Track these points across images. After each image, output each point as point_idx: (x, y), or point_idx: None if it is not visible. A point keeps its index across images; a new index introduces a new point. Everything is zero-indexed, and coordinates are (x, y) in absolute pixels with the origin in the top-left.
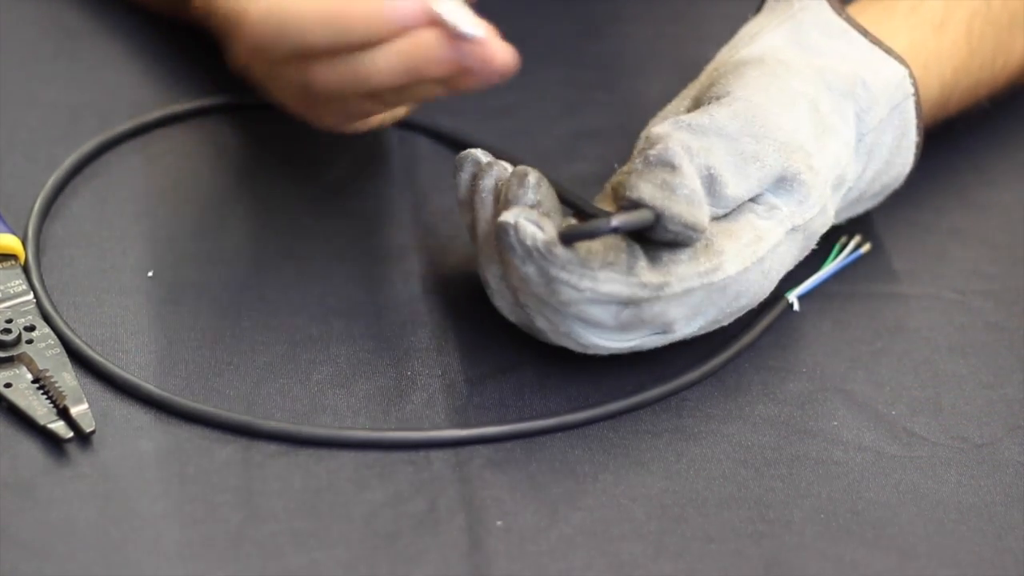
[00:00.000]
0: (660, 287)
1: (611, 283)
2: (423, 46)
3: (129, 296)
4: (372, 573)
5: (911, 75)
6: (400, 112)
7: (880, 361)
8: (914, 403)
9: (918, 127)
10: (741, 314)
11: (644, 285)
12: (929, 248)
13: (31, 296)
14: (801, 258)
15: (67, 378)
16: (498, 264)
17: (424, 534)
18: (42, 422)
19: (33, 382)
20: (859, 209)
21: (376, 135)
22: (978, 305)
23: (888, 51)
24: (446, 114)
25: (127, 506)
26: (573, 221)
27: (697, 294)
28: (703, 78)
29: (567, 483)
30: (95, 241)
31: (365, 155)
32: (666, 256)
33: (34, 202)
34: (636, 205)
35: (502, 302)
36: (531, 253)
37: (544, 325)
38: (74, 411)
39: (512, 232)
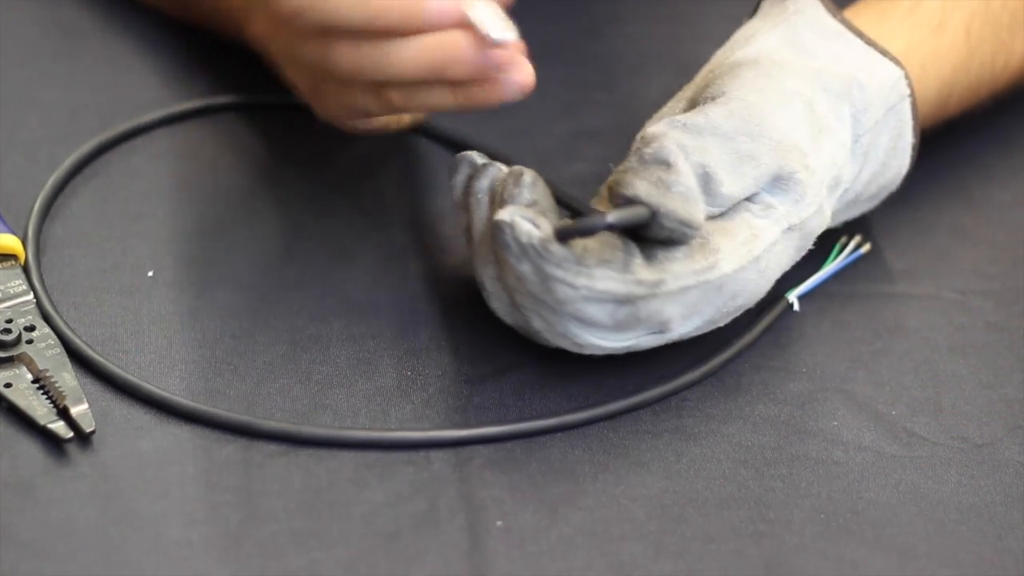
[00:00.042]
0: (656, 284)
1: (607, 280)
2: (450, 45)
3: (129, 296)
4: (372, 573)
5: (907, 76)
6: (404, 121)
7: (880, 361)
8: (914, 403)
9: (914, 128)
10: (738, 314)
11: (640, 282)
12: (929, 248)
13: (31, 296)
14: (798, 258)
15: (67, 378)
16: (494, 266)
17: (424, 534)
18: (42, 422)
19: (33, 382)
20: (856, 212)
21: (376, 136)
22: (978, 305)
23: (884, 52)
24: (446, 114)
25: (127, 506)
26: (569, 221)
27: (693, 292)
28: (698, 79)
29: (567, 483)
30: (95, 241)
31: (365, 155)
32: (662, 254)
33: (34, 202)
34: (631, 202)
35: (498, 304)
36: (527, 251)
37: (540, 325)
38: (74, 411)
39: (508, 230)
